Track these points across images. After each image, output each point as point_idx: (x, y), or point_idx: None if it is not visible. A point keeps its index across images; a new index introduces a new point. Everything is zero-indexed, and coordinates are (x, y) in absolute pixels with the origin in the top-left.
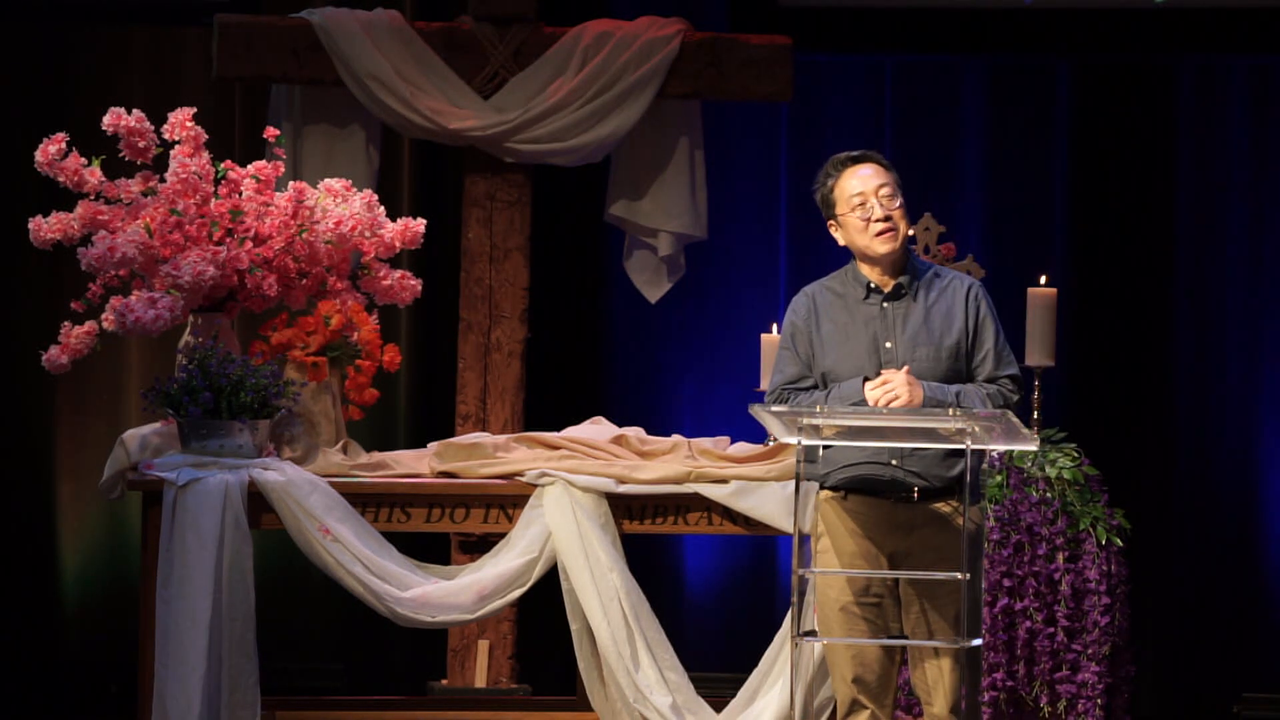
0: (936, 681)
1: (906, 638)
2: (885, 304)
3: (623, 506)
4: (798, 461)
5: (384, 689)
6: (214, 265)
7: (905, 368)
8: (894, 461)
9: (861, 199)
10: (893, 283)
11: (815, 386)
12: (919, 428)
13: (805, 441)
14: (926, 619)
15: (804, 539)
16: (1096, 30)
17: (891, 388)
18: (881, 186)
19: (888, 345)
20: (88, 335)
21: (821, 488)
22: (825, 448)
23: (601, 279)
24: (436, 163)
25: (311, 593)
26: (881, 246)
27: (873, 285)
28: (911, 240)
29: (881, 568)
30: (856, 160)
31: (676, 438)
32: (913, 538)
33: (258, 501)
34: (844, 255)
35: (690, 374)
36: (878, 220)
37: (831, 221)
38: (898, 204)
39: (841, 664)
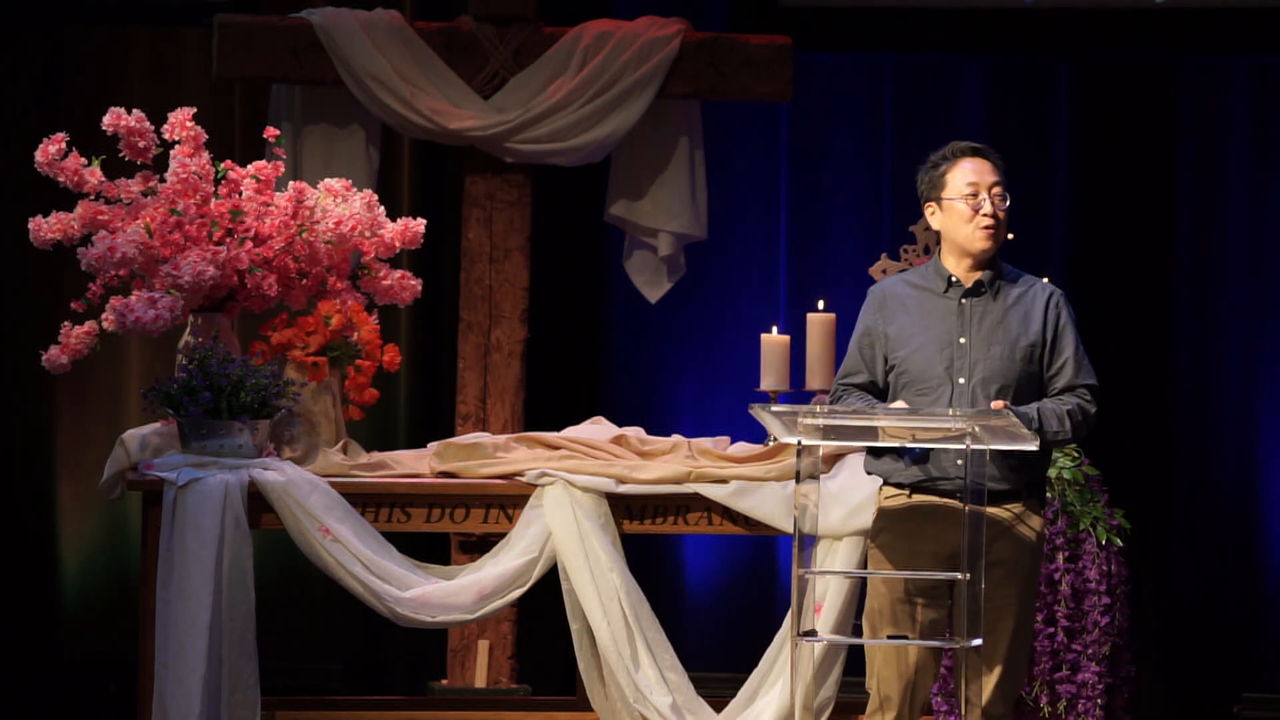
0: (990, 686)
1: (906, 636)
2: (964, 300)
3: (623, 506)
4: (798, 461)
5: (384, 689)
6: (214, 265)
7: (1001, 403)
8: (959, 461)
9: (974, 190)
10: (974, 278)
11: (873, 383)
12: (922, 427)
13: (805, 441)
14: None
15: (804, 539)
16: (1096, 30)
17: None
18: (996, 184)
19: (961, 341)
20: (88, 335)
21: (885, 484)
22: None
23: (601, 279)
24: (436, 163)
25: (311, 593)
26: (982, 242)
27: (954, 279)
28: (911, 239)
29: (943, 567)
30: (978, 152)
31: (676, 438)
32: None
33: (258, 501)
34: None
35: (690, 374)
36: (986, 215)
37: (931, 204)
38: (1005, 206)
39: (883, 664)
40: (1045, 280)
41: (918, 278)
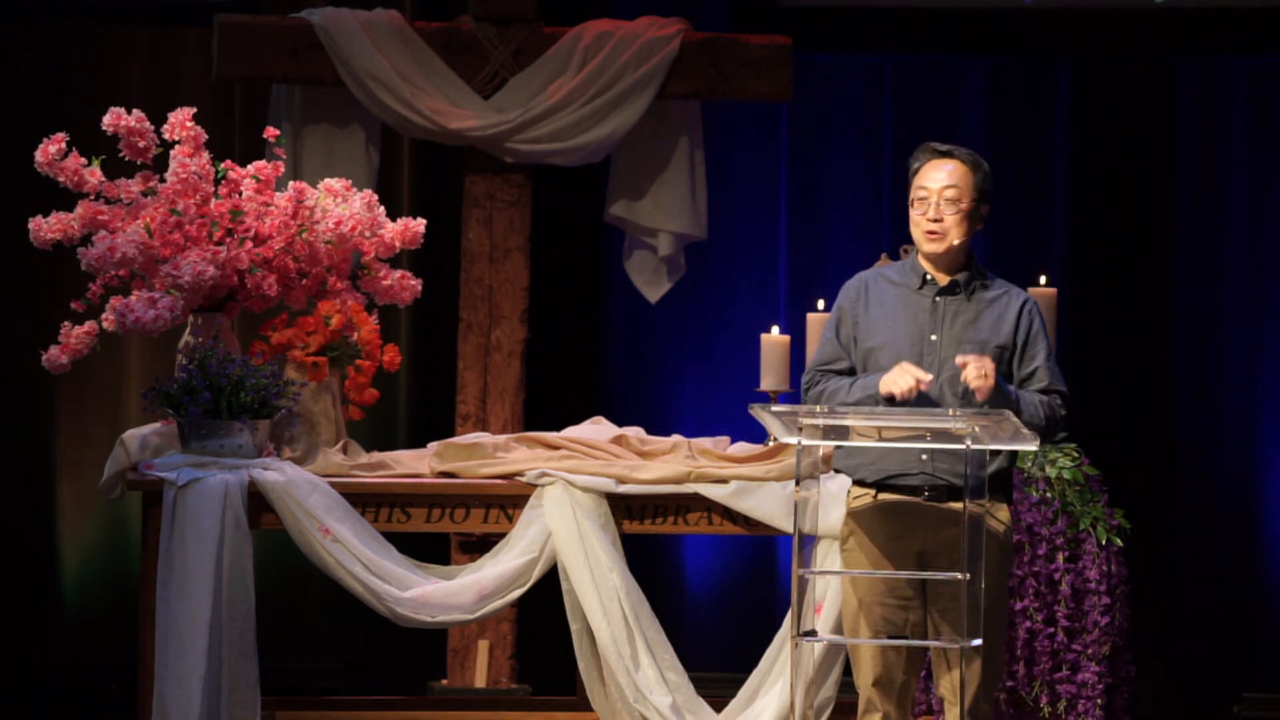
0: (968, 684)
1: (907, 636)
2: (938, 298)
3: (623, 506)
4: (798, 461)
5: (384, 689)
6: (214, 265)
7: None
8: (924, 457)
9: (924, 195)
10: (948, 279)
11: (852, 370)
12: (920, 426)
13: (805, 441)
14: (954, 619)
15: (804, 539)
16: (1096, 30)
17: (984, 371)
18: (948, 189)
19: (933, 338)
20: (88, 335)
21: (853, 483)
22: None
23: (601, 279)
24: (436, 163)
25: (311, 593)
26: (925, 245)
27: (928, 277)
28: (911, 239)
29: (909, 567)
30: (941, 155)
31: (676, 438)
32: (944, 535)
33: (258, 501)
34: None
35: (690, 374)
36: (927, 219)
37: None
38: (955, 210)
39: (864, 665)
40: (1043, 281)
41: (896, 273)
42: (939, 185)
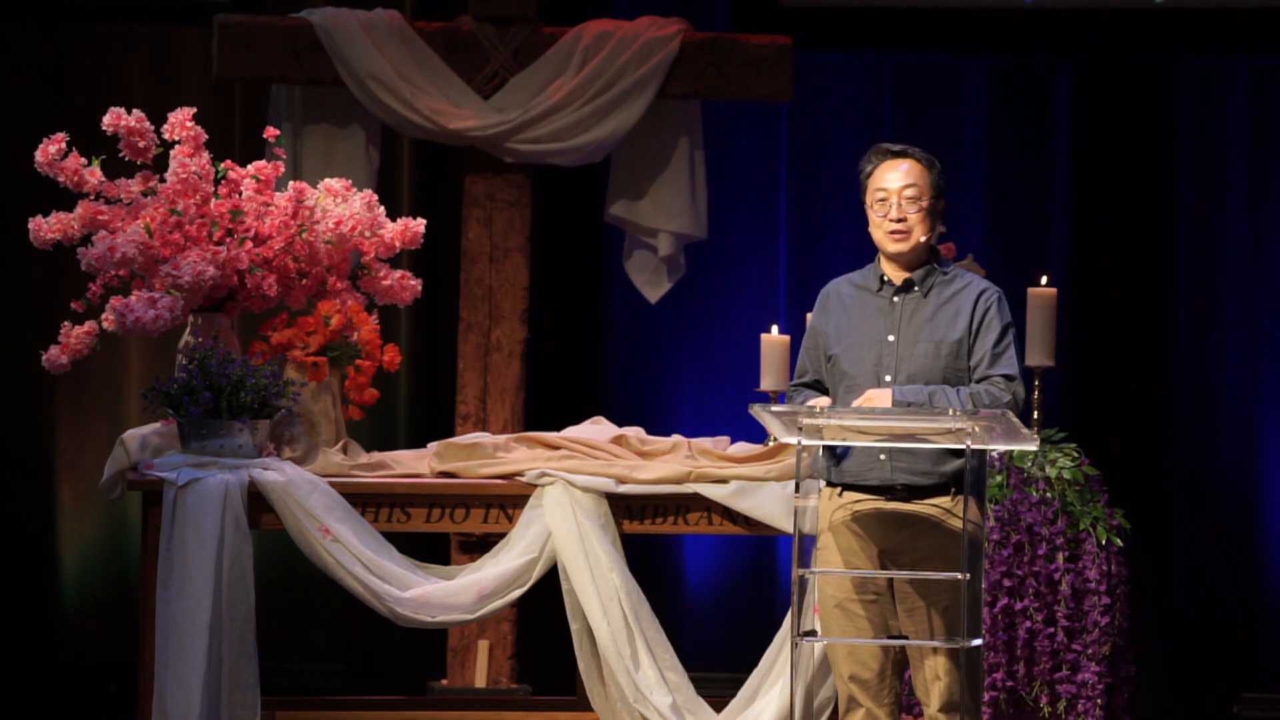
0: (934, 681)
1: (905, 636)
2: (895, 298)
3: (623, 506)
4: (798, 461)
5: (384, 689)
6: (214, 265)
7: (876, 392)
8: (882, 456)
9: (884, 196)
10: (904, 277)
11: (818, 381)
12: (919, 427)
13: (805, 441)
14: (919, 617)
15: (805, 539)
16: (1096, 30)
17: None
18: (907, 188)
19: (890, 339)
20: (88, 335)
21: (825, 484)
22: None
23: (601, 279)
24: (436, 163)
25: (311, 593)
26: (890, 245)
27: (886, 278)
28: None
29: (873, 566)
30: (895, 155)
31: (676, 438)
32: (902, 535)
33: (258, 501)
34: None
35: (690, 374)
36: (891, 220)
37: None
38: (917, 208)
39: (839, 662)
40: (1043, 281)
41: (859, 277)
42: (898, 185)
